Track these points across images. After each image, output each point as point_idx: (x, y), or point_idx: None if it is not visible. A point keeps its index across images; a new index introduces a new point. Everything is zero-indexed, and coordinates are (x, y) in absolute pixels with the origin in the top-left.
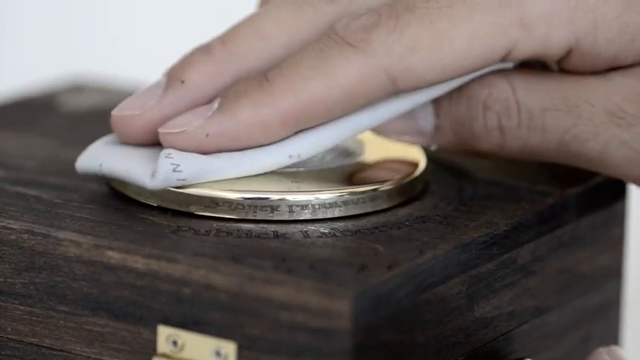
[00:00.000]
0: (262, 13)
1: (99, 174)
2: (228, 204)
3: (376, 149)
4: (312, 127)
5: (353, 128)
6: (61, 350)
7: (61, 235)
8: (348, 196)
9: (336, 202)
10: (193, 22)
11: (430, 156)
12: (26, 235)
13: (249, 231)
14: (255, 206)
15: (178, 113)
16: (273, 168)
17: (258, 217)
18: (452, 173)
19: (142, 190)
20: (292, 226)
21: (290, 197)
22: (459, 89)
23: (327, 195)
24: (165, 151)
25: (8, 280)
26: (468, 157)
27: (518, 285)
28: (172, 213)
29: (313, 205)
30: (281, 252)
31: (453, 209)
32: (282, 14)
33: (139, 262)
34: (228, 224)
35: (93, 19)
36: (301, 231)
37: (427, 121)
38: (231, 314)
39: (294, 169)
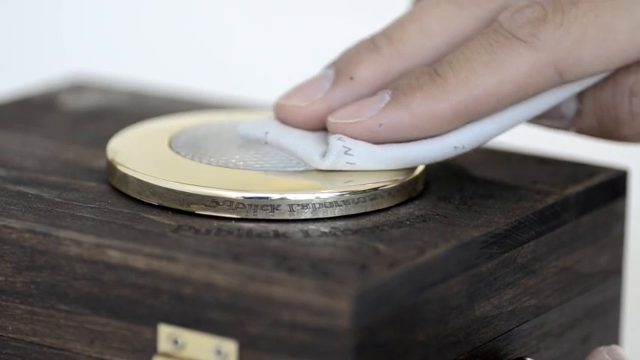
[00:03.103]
0: (424, 10)
1: (262, 141)
2: (229, 203)
3: None
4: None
5: (513, 119)
6: (62, 349)
7: (62, 234)
8: (348, 195)
9: (336, 202)
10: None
11: None
12: (27, 235)
13: (250, 230)
14: (256, 205)
15: None
16: (440, 159)
17: (259, 217)
18: (452, 173)
19: (142, 189)
20: (293, 225)
21: (290, 196)
22: None
23: (327, 194)
24: (336, 135)
25: (9, 279)
26: (606, 141)
27: (518, 284)
28: (173, 212)
29: (314, 205)
30: (282, 251)
31: (454, 208)
32: (445, 12)
33: (139, 261)
34: (228, 223)
35: (93, 19)
36: (302, 230)
37: (569, 105)
38: (231, 313)
39: (294, 169)
